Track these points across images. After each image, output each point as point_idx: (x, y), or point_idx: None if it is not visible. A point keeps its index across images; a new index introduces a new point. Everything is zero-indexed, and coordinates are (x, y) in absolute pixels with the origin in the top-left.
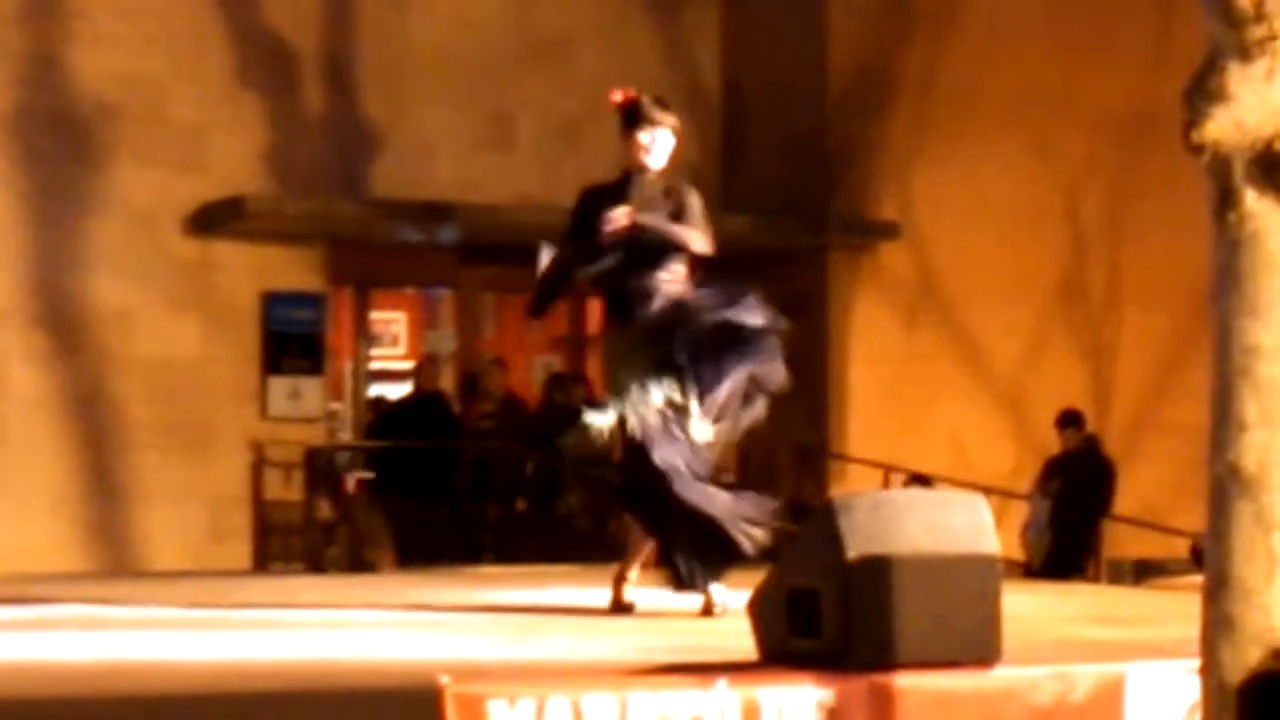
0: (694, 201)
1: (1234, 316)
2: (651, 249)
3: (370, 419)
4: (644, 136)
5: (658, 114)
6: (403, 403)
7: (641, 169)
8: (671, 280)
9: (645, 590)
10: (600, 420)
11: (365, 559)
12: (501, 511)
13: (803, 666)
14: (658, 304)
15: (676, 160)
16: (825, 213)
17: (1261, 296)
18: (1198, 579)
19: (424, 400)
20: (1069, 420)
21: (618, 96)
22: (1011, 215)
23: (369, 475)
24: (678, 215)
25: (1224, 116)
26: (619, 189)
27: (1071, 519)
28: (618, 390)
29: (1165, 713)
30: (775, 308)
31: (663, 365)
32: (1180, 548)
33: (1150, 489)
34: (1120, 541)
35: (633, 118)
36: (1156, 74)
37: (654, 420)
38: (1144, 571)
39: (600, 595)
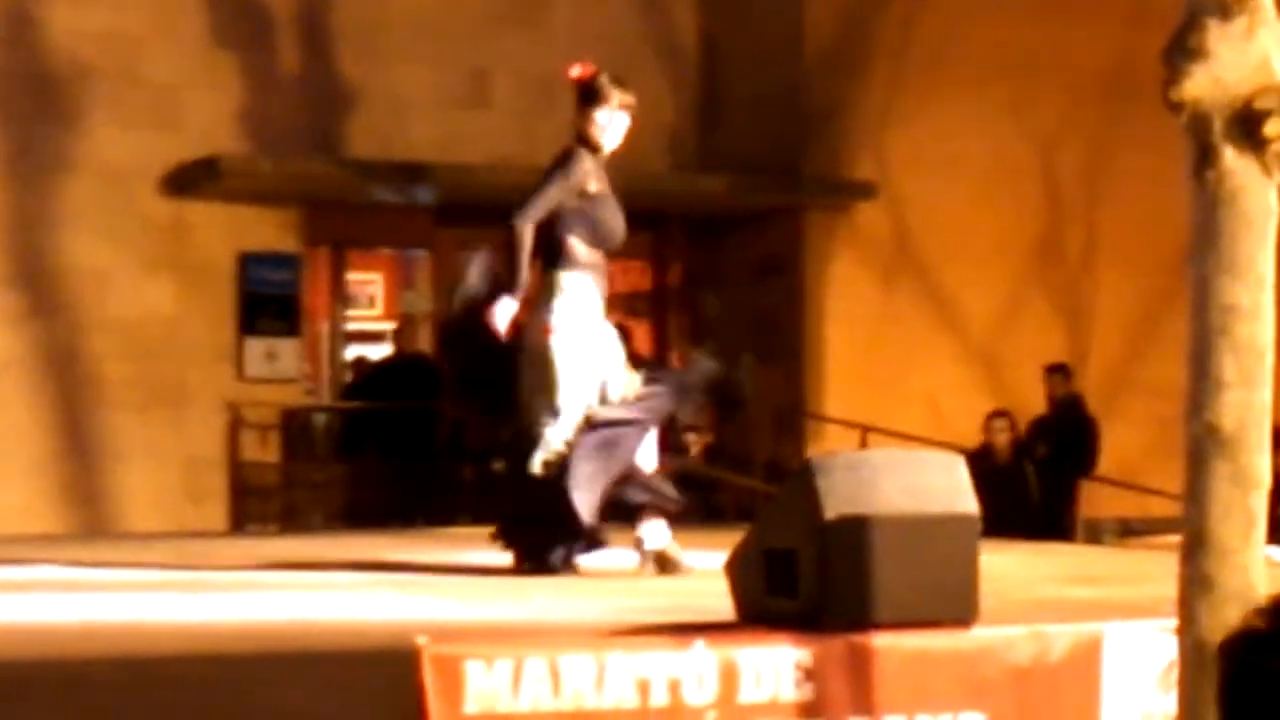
0: None
1: (1212, 275)
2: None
3: (349, 380)
4: (602, 116)
5: (618, 95)
6: (384, 363)
7: (596, 149)
8: None
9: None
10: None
11: None
12: (478, 472)
13: (780, 627)
14: None
15: (652, 119)
16: (801, 172)
17: (1240, 255)
18: (1175, 539)
19: (405, 361)
20: (1056, 367)
21: (575, 71)
22: (988, 175)
23: None
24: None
25: (1203, 74)
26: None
27: (1058, 479)
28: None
29: (1142, 672)
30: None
31: None
32: (1157, 507)
33: (1127, 449)
34: (1096, 501)
35: (592, 96)
36: (1135, 31)
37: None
38: (1129, 531)
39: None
